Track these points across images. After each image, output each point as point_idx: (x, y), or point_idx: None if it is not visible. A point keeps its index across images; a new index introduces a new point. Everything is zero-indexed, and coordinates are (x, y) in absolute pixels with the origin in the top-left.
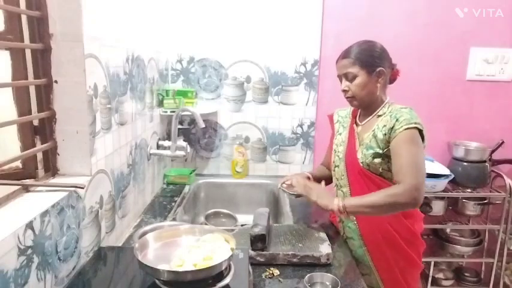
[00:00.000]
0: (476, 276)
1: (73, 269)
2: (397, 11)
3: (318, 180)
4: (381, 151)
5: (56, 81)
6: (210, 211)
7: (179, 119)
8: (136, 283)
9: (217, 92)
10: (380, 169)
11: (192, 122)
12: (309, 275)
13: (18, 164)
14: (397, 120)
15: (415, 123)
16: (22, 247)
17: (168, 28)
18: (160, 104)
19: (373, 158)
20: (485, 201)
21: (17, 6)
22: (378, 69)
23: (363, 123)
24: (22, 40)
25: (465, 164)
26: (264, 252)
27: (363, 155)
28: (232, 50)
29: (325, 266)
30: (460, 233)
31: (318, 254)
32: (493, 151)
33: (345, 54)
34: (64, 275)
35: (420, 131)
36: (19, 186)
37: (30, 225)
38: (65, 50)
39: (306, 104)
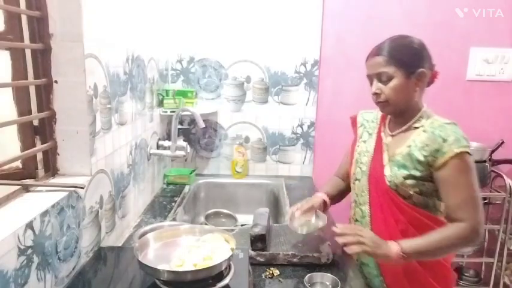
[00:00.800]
0: (476, 276)
1: (73, 269)
2: (397, 11)
3: (334, 198)
4: (417, 173)
5: (56, 81)
6: (210, 211)
7: (179, 119)
8: (136, 283)
9: (217, 92)
10: (411, 191)
11: (192, 122)
12: (309, 275)
13: (18, 164)
14: (444, 140)
15: (466, 145)
16: (22, 247)
17: (168, 28)
18: (160, 104)
19: (405, 179)
20: (485, 201)
21: (17, 6)
22: (419, 71)
23: (394, 133)
24: (22, 40)
25: None
26: (264, 252)
27: (392, 173)
28: (232, 50)
29: (325, 266)
30: None
31: (318, 254)
32: (493, 151)
33: (378, 51)
34: (64, 275)
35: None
36: (19, 186)
37: (30, 225)
38: (65, 50)
39: (306, 104)
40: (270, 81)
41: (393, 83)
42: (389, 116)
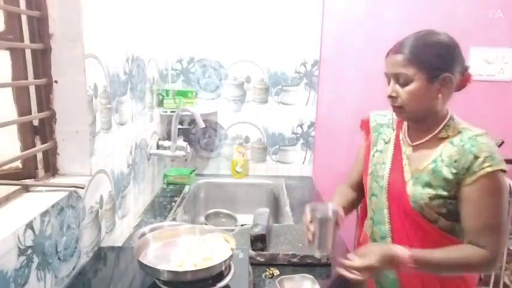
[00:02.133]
0: None
1: (73, 269)
2: (397, 11)
3: (347, 211)
4: (444, 193)
5: (56, 81)
6: (210, 211)
7: (179, 119)
8: (136, 283)
9: (217, 92)
10: (437, 213)
11: (192, 122)
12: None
13: (18, 164)
14: (475, 157)
15: (500, 161)
16: (22, 247)
17: (168, 28)
18: (160, 104)
19: (431, 199)
20: None
21: (17, 6)
22: (443, 76)
23: (415, 143)
24: (22, 40)
25: None
26: (264, 252)
27: (417, 193)
28: (232, 50)
29: (325, 266)
30: None
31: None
32: None
33: (399, 48)
34: (64, 275)
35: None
36: (19, 186)
37: (30, 225)
38: (65, 50)
39: (306, 104)
40: (270, 81)
41: (411, 86)
42: (405, 121)
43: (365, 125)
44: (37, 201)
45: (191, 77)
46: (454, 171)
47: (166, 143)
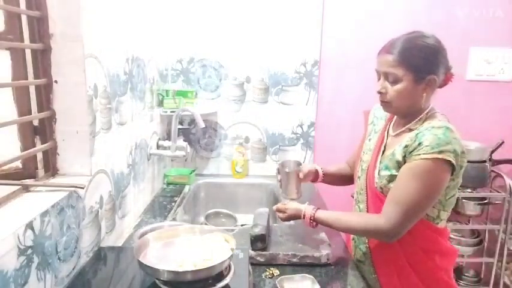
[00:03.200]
0: (476, 276)
1: (73, 269)
2: (397, 11)
3: (333, 177)
4: (397, 174)
5: (56, 81)
6: (210, 211)
7: (179, 119)
8: (136, 283)
9: (217, 92)
10: None
11: (192, 122)
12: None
13: (18, 164)
14: (419, 144)
15: (440, 151)
16: (22, 247)
17: (168, 28)
18: (160, 104)
19: (389, 181)
20: (485, 201)
21: (17, 6)
22: (429, 78)
23: (394, 134)
24: (22, 40)
25: None
26: (264, 252)
27: (379, 175)
28: (233, 50)
29: (325, 266)
30: (460, 233)
31: (318, 254)
32: (493, 151)
33: (390, 48)
34: (64, 275)
35: (449, 161)
36: (19, 186)
37: (30, 225)
38: (65, 50)
39: (306, 104)
40: (270, 81)
41: (400, 86)
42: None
43: (366, 117)
44: (37, 201)
45: (191, 77)
46: (403, 154)
47: (166, 143)
